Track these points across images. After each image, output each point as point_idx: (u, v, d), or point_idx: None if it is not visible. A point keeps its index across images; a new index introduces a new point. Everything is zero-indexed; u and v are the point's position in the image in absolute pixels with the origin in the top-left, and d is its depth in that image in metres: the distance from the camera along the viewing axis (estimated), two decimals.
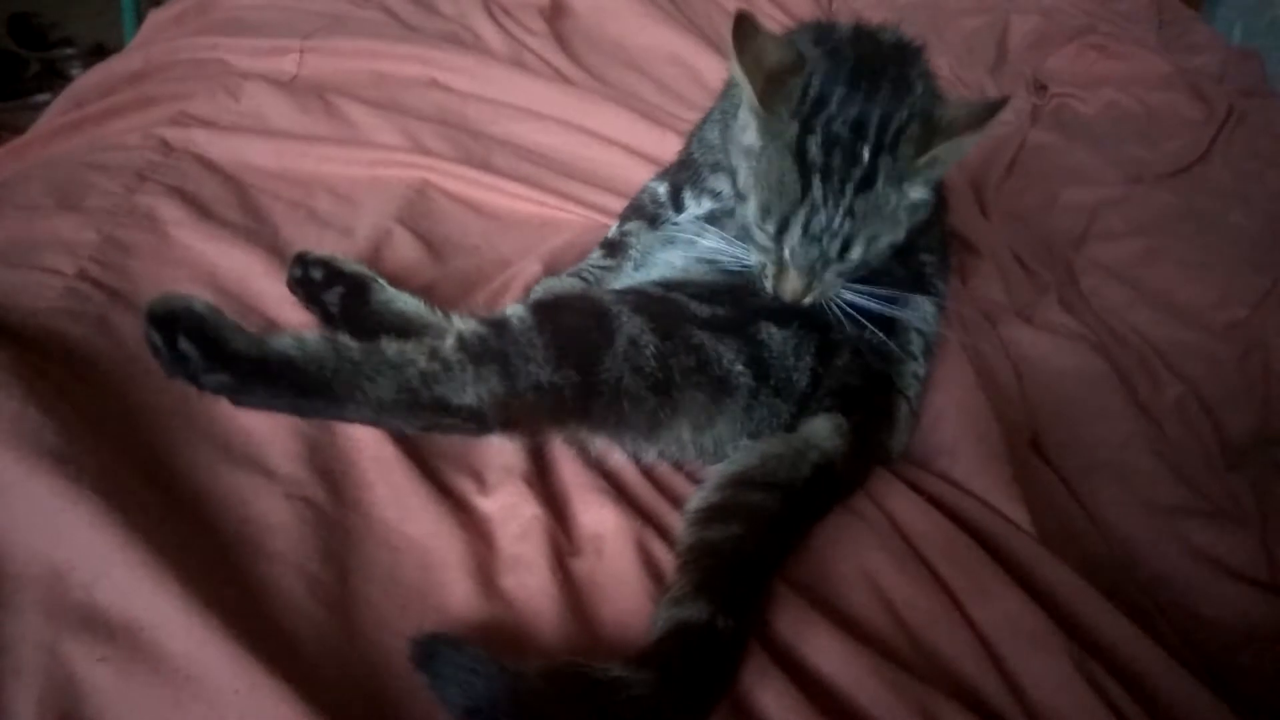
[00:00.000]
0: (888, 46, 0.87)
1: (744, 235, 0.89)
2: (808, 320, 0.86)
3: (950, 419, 0.97)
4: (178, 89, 1.18)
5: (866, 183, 0.79)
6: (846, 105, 0.80)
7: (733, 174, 0.90)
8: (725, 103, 1.00)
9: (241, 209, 1.00)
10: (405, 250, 1.00)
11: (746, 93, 0.81)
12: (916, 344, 0.96)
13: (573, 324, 0.76)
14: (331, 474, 0.75)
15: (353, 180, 1.10)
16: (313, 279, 0.86)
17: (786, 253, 0.82)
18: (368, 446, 0.77)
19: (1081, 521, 1.01)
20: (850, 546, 0.78)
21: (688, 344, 0.79)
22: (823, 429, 0.82)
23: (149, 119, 1.11)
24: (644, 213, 1.08)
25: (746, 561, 0.72)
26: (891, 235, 0.83)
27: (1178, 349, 1.30)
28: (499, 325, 0.73)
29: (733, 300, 0.85)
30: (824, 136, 0.79)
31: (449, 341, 0.71)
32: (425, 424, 0.72)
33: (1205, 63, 1.97)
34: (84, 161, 1.00)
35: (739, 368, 0.80)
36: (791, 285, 0.84)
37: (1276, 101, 1.92)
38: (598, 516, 0.76)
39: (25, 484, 0.60)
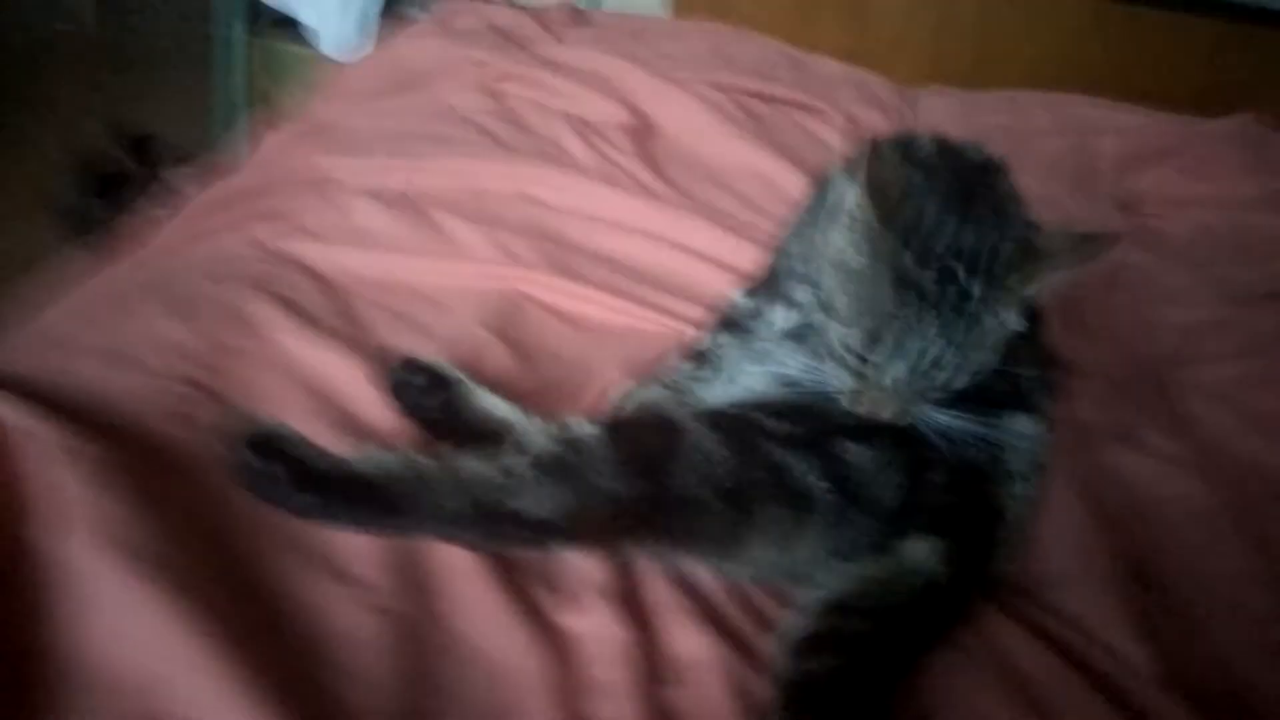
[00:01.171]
0: (973, 165, 0.86)
1: (829, 354, 0.88)
2: (895, 437, 0.83)
3: (1057, 547, 0.92)
4: (292, 204, 1.24)
5: (976, 317, 0.77)
6: (956, 233, 0.78)
7: (815, 285, 0.89)
8: (807, 215, 1.00)
9: (343, 317, 1.03)
10: (498, 359, 1.02)
11: (864, 214, 0.79)
12: (1017, 464, 0.92)
13: (643, 437, 0.78)
14: (412, 585, 0.74)
15: (449, 291, 1.13)
16: (414, 384, 0.88)
17: (888, 381, 0.79)
18: (450, 558, 0.76)
19: (1200, 665, 0.93)
20: (959, 687, 0.73)
21: (763, 458, 0.77)
22: (920, 550, 0.79)
23: (263, 232, 1.16)
24: (732, 325, 1.08)
25: (852, 698, 0.68)
26: (986, 355, 0.81)
27: None
28: (571, 442, 0.75)
29: (811, 418, 0.83)
30: (938, 268, 0.77)
31: (522, 458, 0.74)
32: (498, 538, 0.74)
33: None
34: (199, 271, 1.05)
35: (821, 483, 0.78)
36: (885, 410, 0.81)
37: None
38: (691, 643, 0.73)
39: (125, 591, 0.61)
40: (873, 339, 0.79)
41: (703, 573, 0.80)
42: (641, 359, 1.07)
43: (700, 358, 1.04)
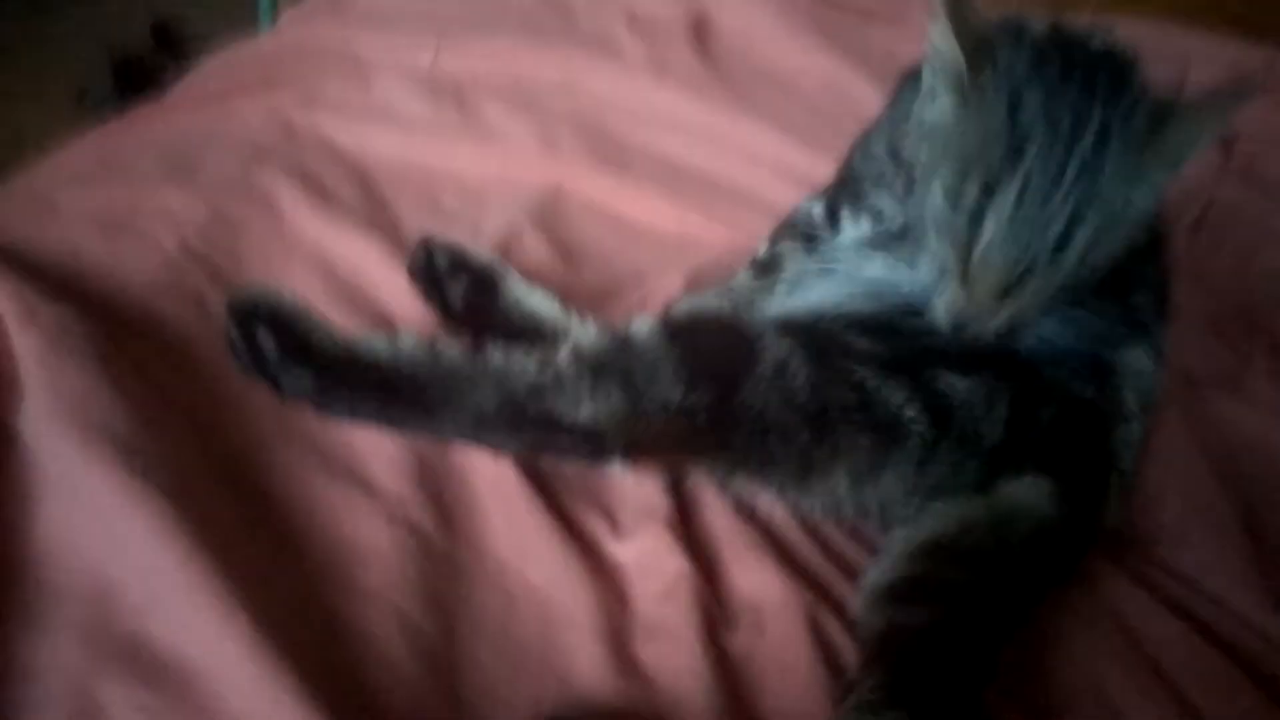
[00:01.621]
0: (1097, 52, 0.71)
1: (916, 250, 0.75)
2: (999, 367, 0.70)
3: (1173, 498, 0.80)
4: (308, 74, 1.11)
5: (1094, 160, 0.62)
6: (1076, 98, 0.63)
7: (907, 178, 0.75)
8: (895, 110, 0.86)
9: (364, 197, 0.91)
10: (537, 253, 0.89)
11: (949, 58, 0.65)
12: (1131, 400, 0.79)
13: (709, 344, 0.65)
14: (442, 497, 0.63)
15: (483, 178, 1.00)
16: (437, 266, 0.76)
17: (984, 243, 0.63)
18: (486, 469, 0.65)
19: None
20: (1073, 651, 0.62)
21: (848, 378, 0.65)
22: (1029, 492, 0.67)
23: (274, 101, 1.03)
24: (798, 233, 0.94)
25: (952, 658, 0.57)
26: (1110, 245, 0.65)
27: None
28: (622, 340, 0.63)
29: (904, 339, 0.70)
30: (1044, 98, 0.63)
31: (564, 352, 0.62)
32: (532, 443, 0.63)
33: None
34: (201, 136, 0.93)
35: (911, 413, 0.65)
36: (980, 300, 0.65)
37: None
38: (757, 580, 0.62)
39: (84, 476, 0.49)
40: (961, 181, 0.63)
41: (772, 503, 0.68)
42: (697, 267, 0.94)
43: (764, 268, 0.91)
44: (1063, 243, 0.62)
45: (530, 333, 0.72)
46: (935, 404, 0.66)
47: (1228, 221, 1.50)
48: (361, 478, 0.62)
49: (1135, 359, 0.81)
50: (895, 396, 0.65)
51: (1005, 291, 0.65)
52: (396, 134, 1.03)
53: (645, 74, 1.30)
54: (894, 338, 0.69)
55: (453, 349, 0.61)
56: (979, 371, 0.68)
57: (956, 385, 0.67)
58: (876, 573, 0.63)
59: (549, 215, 0.97)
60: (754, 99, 1.35)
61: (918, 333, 0.71)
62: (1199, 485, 0.81)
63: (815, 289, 0.85)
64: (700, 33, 1.49)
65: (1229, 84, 0.65)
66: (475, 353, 0.62)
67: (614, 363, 0.61)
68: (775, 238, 0.95)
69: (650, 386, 0.60)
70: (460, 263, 0.76)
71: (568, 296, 0.85)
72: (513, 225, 0.92)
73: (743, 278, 0.92)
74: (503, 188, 1.00)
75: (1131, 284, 0.79)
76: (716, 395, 0.62)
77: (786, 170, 1.15)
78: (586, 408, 0.60)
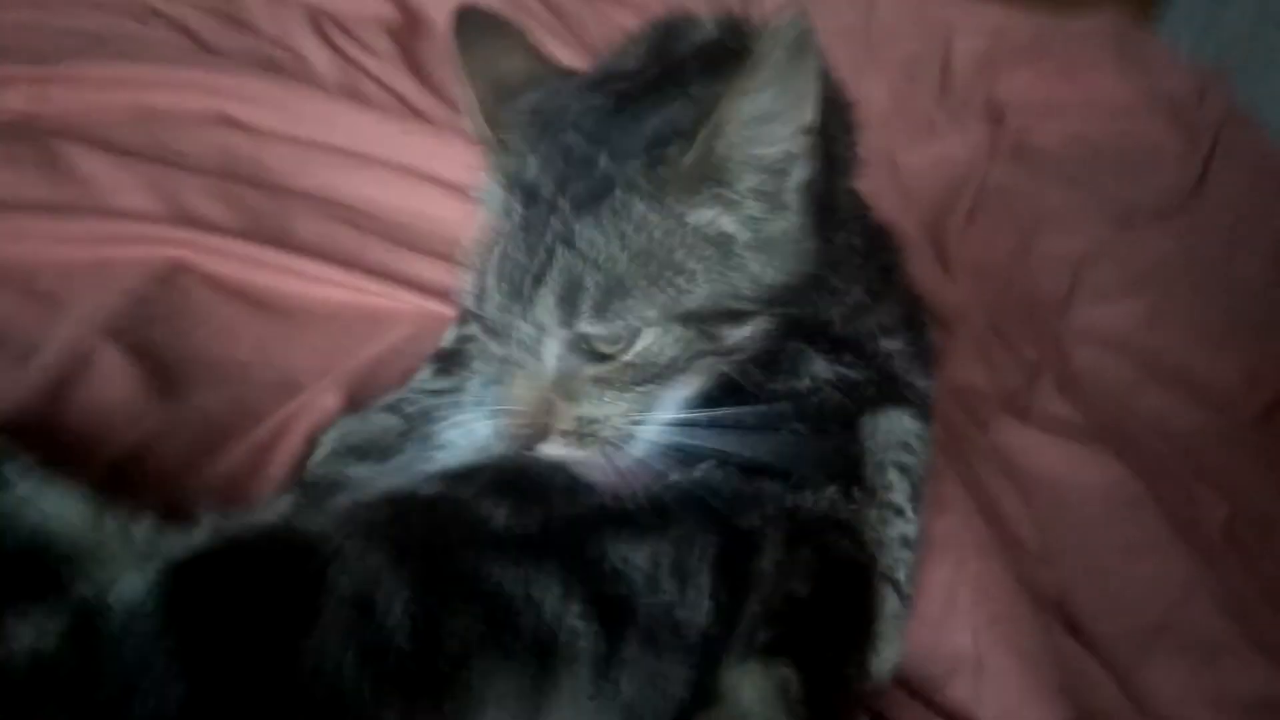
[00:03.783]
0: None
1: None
2: (688, 511, 0.51)
3: (964, 605, 0.65)
4: None
5: (595, 195, 0.48)
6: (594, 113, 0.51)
7: None
8: None
9: None
10: (114, 382, 0.64)
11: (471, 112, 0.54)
12: (899, 489, 0.64)
13: (241, 594, 0.42)
14: None
15: (67, 266, 0.74)
16: None
17: (527, 330, 0.50)
18: None
19: None
20: None
21: (475, 590, 0.45)
22: (751, 695, 0.48)
23: None
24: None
25: None
26: (680, 294, 0.49)
27: (1208, 445, 1.01)
28: (86, 630, 0.39)
29: (557, 494, 0.52)
30: (549, 149, 0.50)
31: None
32: None
33: (1173, 86, 1.73)
34: None
35: (574, 620, 0.46)
36: (528, 395, 0.50)
37: (1255, 128, 1.69)
38: None
39: None
40: (484, 272, 0.51)
41: None
42: (372, 362, 0.73)
43: (448, 361, 0.70)
44: (571, 299, 0.48)
45: (42, 557, 0.47)
46: (605, 595, 0.46)
47: (1002, 205, 1.41)
48: None
49: (890, 424, 0.66)
50: (548, 599, 0.45)
51: (550, 394, 0.50)
52: None
53: (326, 93, 1.06)
54: (544, 495, 0.50)
55: None
56: (660, 527, 0.49)
57: (632, 558, 0.48)
58: None
59: (151, 314, 0.72)
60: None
61: (574, 483, 0.51)
62: (992, 579, 0.67)
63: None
64: (409, 34, 1.26)
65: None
66: None
67: (72, 670, 0.38)
68: (465, 315, 0.74)
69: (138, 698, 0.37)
70: None
71: (158, 445, 0.61)
72: (84, 340, 0.66)
73: (423, 378, 0.70)
74: (95, 277, 0.74)
75: (863, 330, 0.63)
76: (249, 679, 0.39)
77: None
78: None
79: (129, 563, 0.44)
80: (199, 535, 0.46)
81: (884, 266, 0.65)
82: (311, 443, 0.63)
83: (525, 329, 0.49)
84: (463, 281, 0.53)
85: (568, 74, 0.57)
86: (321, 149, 0.97)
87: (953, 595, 0.65)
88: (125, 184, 0.83)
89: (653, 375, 0.50)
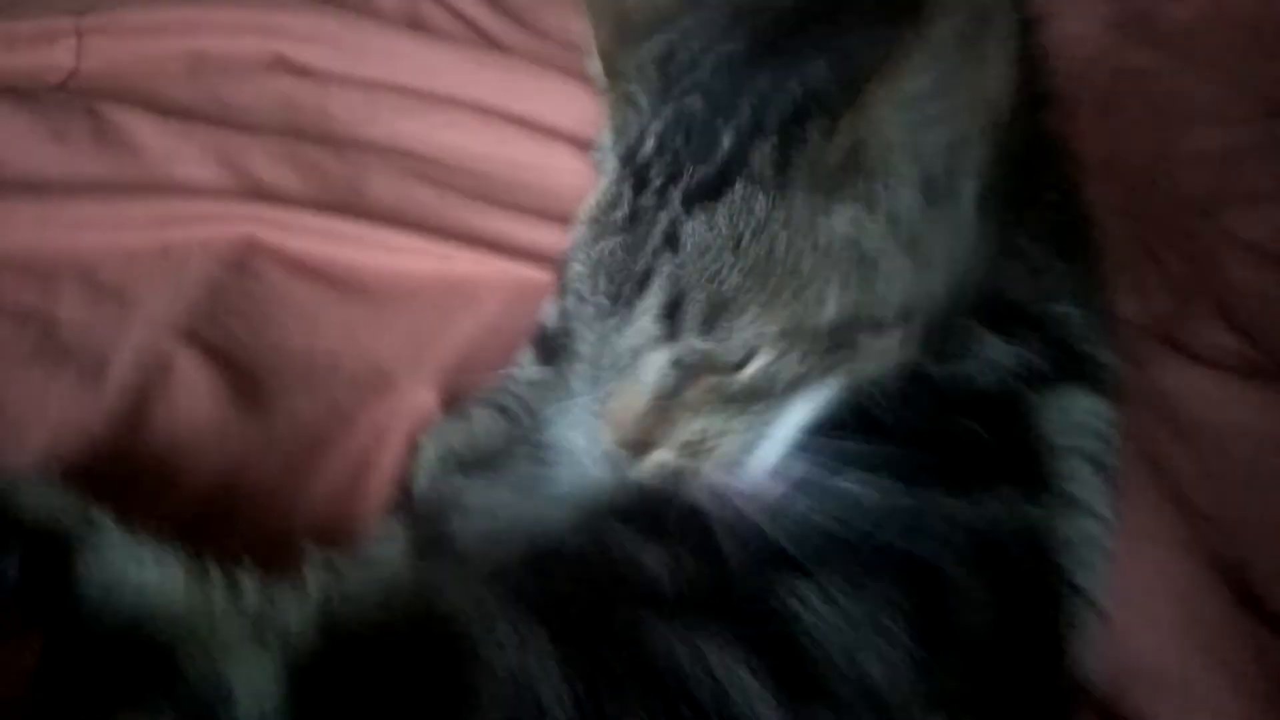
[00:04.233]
0: None
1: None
2: (867, 547, 0.43)
3: (1146, 607, 0.57)
4: None
5: (711, 188, 0.39)
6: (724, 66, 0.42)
7: None
8: None
9: None
10: (195, 394, 0.58)
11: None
12: (1090, 486, 0.55)
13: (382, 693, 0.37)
14: None
15: (128, 257, 0.68)
16: None
17: (626, 346, 0.42)
18: None
19: None
20: None
21: (639, 668, 0.38)
22: None
23: None
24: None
25: None
26: (807, 307, 0.40)
27: None
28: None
29: (719, 538, 0.43)
30: (671, 117, 0.41)
31: None
32: None
33: None
34: None
35: (758, 685, 0.39)
36: (623, 418, 0.43)
37: None
38: None
39: None
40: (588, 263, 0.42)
41: None
42: (466, 347, 0.66)
43: (544, 344, 0.62)
44: (676, 305, 0.39)
45: (128, 637, 0.42)
46: (789, 655, 0.40)
47: (1137, 94, 1.26)
48: None
49: (1073, 405, 0.56)
50: (722, 666, 0.39)
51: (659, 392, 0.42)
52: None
53: (391, 26, 0.96)
54: (706, 539, 0.42)
55: None
56: (844, 573, 0.42)
57: (816, 605, 0.41)
58: None
59: (227, 309, 0.65)
60: (554, 37, 1.02)
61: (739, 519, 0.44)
62: (1181, 577, 0.59)
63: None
64: None
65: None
66: None
67: None
68: (566, 285, 0.66)
69: None
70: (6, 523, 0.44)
71: (250, 468, 0.55)
72: (159, 348, 0.60)
73: (524, 368, 0.63)
74: (160, 268, 0.67)
75: (1034, 296, 0.53)
76: None
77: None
78: None
79: (241, 646, 0.39)
80: (312, 605, 0.41)
81: (1075, 221, 0.55)
82: (411, 448, 0.57)
83: (625, 338, 0.42)
84: (573, 259, 0.46)
85: (715, 5, 0.46)
86: (387, 90, 0.88)
87: (1134, 597, 0.57)
88: (183, 153, 0.75)
89: (773, 393, 0.42)
